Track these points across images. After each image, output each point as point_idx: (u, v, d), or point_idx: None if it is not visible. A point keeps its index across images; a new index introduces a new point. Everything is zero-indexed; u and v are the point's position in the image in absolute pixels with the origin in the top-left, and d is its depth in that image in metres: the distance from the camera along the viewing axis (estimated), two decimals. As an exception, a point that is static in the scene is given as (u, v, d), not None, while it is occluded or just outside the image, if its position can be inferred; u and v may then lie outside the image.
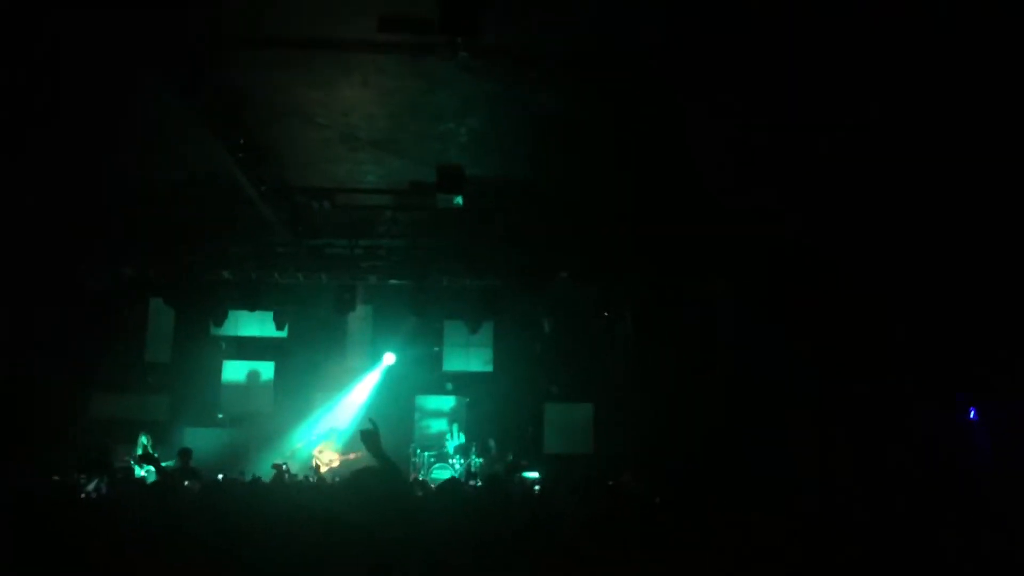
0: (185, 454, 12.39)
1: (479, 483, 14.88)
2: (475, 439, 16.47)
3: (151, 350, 17.15)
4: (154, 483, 11.31)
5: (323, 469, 15.20)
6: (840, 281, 12.25)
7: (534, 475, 14.34)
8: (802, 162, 9.91)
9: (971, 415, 11.61)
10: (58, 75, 8.27)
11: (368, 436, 6.76)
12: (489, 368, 17.64)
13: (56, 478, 9.68)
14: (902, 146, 9.17)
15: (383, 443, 5.87)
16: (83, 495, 8.57)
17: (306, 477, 14.16)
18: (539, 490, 11.37)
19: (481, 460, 15.73)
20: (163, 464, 13.90)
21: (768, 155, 9.85)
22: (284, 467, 13.84)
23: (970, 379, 11.30)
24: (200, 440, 15.66)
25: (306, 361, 17.18)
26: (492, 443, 16.08)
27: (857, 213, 10.92)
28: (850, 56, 7.52)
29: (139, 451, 14.51)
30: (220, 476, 13.26)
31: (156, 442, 14.71)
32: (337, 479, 13.14)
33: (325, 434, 16.00)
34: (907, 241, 11.01)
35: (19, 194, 11.54)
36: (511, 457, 15.48)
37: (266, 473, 13.35)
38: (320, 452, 15.63)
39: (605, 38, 7.42)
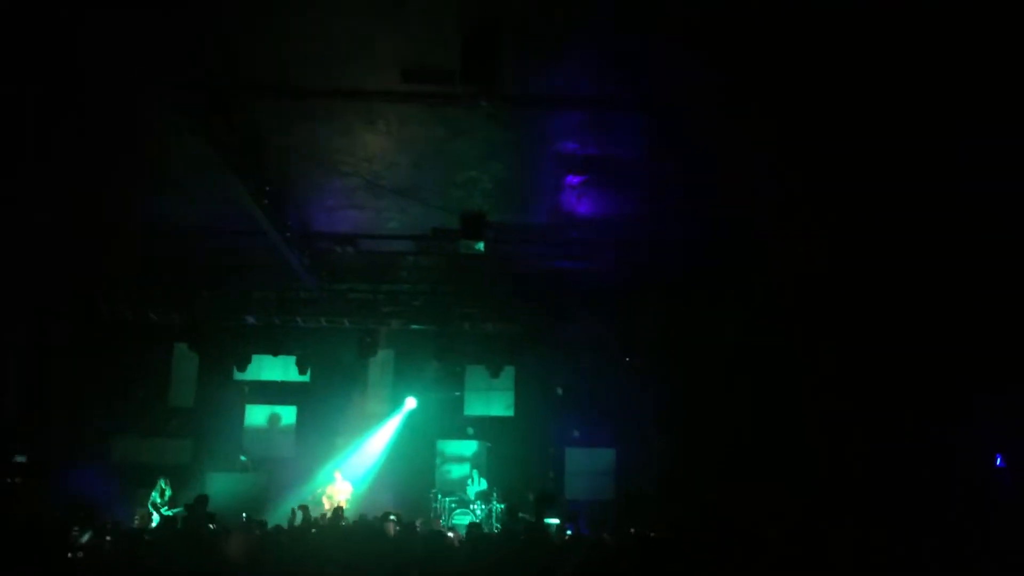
0: (202, 500, 12.37)
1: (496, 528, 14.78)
2: (496, 484, 16.39)
3: (175, 395, 17.31)
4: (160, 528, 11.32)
5: (343, 504, 15.08)
6: (866, 304, 12.11)
7: (554, 521, 14.21)
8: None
9: (997, 462, 11.54)
10: (82, 117, 8.48)
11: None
12: (510, 413, 17.63)
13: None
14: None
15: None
16: (75, 550, 8.54)
17: (323, 516, 14.05)
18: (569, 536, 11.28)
19: (503, 506, 15.61)
20: (174, 511, 14.06)
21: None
22: (305, 510, 13.80)
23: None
24: (222, 484, 15.70)
25: (328, 405, 17.23)
26: (530, 496, 15.95)
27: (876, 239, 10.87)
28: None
29: (156, 496, 14.59)
30: (244, 515, 13.30)
31: (177, 486, 14.78)
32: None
33: (331, 478, 15.96)
34: (937, 264, 10.94)
35: (41, 236, 11.74)
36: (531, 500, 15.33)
37: (286, 516, 13.38)
38: (329, 495, 15.58)
39: (623, 81, 7.52)
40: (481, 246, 10.73)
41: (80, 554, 8.41)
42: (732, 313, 13.56)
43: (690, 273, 12.98)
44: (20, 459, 14.29)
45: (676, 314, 14.41)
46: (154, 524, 13.79)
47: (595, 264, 12.74)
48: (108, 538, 9.62)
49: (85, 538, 9.24)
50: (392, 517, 8.65)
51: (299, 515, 13.40)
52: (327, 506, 15.03)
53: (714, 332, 14.10)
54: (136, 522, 14.11)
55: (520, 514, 11.80)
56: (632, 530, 9.81)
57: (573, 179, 9.61)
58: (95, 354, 15.88)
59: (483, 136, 8.63)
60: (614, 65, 7.21)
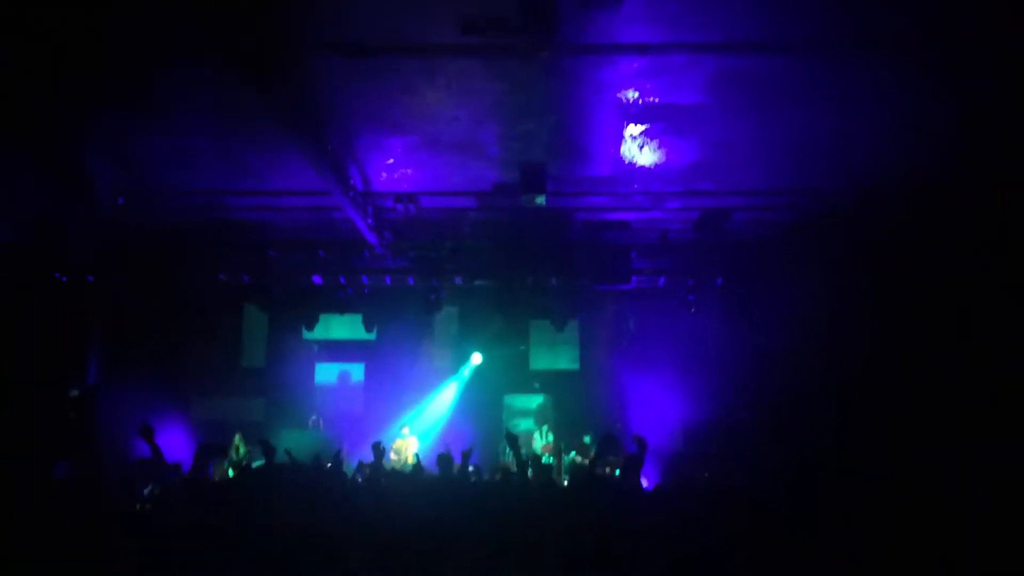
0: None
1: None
2: (563, 437, 16.51)
3: (247, 355, 17.73)
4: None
5: (409, 459, 15.34)
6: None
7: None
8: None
9: None
10: (149, 85, 8.60)
11: (442, 460, 7.03)
12: (576, 366, 17.68)
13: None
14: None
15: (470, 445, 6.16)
16: (142, 502, 8.80)
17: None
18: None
19: (569, 458, 15.73)
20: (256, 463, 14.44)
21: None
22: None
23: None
24: (294, 441, 16.06)
25: (395, 362, 17.51)
26: (587, 439, 16.08)
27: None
28: None
29: (232, 453, 15.02)
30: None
31: (251, 444, 15.19)
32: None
33: (399, 434, 16.18)
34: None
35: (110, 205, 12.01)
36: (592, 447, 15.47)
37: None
38: (397, 450, 15.81)
39: (686, 24, 7.34)
40: (543, 200, 10.68)
41: (148, 506, 8.65)
42: (800, 263, 13.29)
43: (757, 223, 12.81)
44: (73, 393, 14.86)
45: (743, 264, 14.22)
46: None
47: (658, 214, 12.60)
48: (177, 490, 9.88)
49: (147, 491, 9.52)
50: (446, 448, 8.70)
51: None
52: (395, 461, 15.29)
53: (783, 283, 13.81)
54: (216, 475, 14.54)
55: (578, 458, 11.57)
56: (705, 474, 9.75)
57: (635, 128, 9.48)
58: (170, 317, 16.33)
59: (542, 88, 8.53)
60: (677, 7, 7.02)
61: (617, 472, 9.03)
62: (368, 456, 12.55)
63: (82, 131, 9.97)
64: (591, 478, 8.21)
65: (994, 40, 7.36)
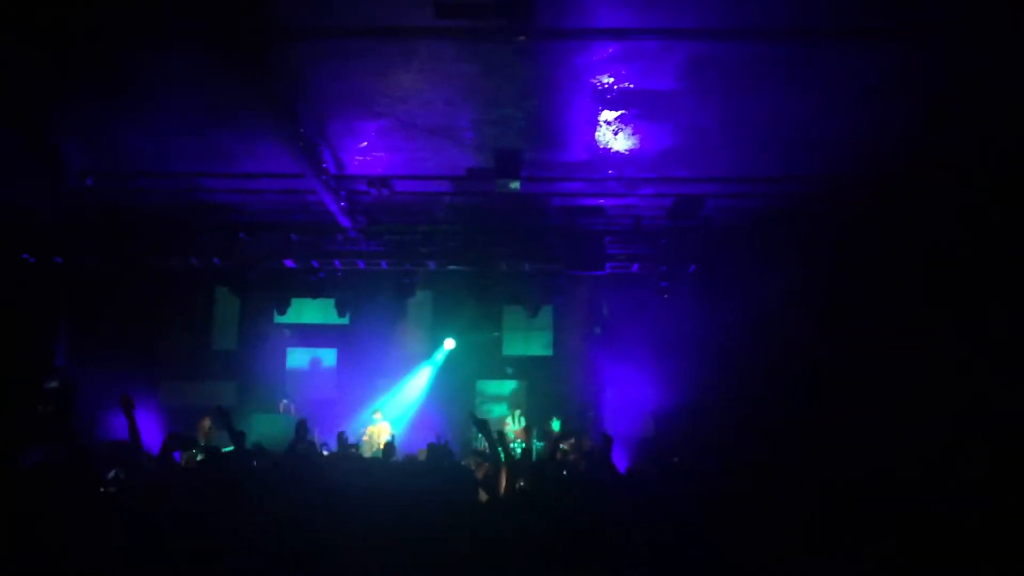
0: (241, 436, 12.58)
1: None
2: (536, 423, 16.52)
3: (218, 338, 17.60)
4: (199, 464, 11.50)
5: (382, 445, 15.31)
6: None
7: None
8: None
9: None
10: (121, 69, 8.48)
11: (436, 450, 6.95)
12: (549, 352, 17.71)
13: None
14: None
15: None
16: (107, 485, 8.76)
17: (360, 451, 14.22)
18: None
19: (542, 444, 15.74)
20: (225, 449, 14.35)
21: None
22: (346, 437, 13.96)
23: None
24: (265, 426, 15.98)
25: (368, 347, 17.45)
26: (555, 424, 16.11)
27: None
28: None
29: (201, 438, 14.89)
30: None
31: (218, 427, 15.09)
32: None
33: (371, 419, 16.15)
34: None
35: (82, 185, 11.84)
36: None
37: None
38: (369, 435, 15.78)
39: (664, 9, 7.34)
40: (517, 185, 10.66)
41: (112, 488, 8.59)
42: (773, 251, 13.37)
43: (731, 210, 12.86)
44: (52, 384, 14.73)
45: (716, 251, 14.28)
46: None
47: (633, 200, 12.61)
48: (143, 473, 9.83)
49: (111, 474, 9.47)
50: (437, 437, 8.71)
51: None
52: (368, 445, 15.25)
53: (756, 270, 13.89)
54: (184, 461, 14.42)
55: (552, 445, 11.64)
56: (676, 459, 9.79)
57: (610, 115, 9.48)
58: (141, 299, 16.17)
59: (518, 72, 8.49)
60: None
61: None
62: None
63: (51, 111, 9.83)
64: (557, 466, 8.22)
65: (969, 30, 7.43)
